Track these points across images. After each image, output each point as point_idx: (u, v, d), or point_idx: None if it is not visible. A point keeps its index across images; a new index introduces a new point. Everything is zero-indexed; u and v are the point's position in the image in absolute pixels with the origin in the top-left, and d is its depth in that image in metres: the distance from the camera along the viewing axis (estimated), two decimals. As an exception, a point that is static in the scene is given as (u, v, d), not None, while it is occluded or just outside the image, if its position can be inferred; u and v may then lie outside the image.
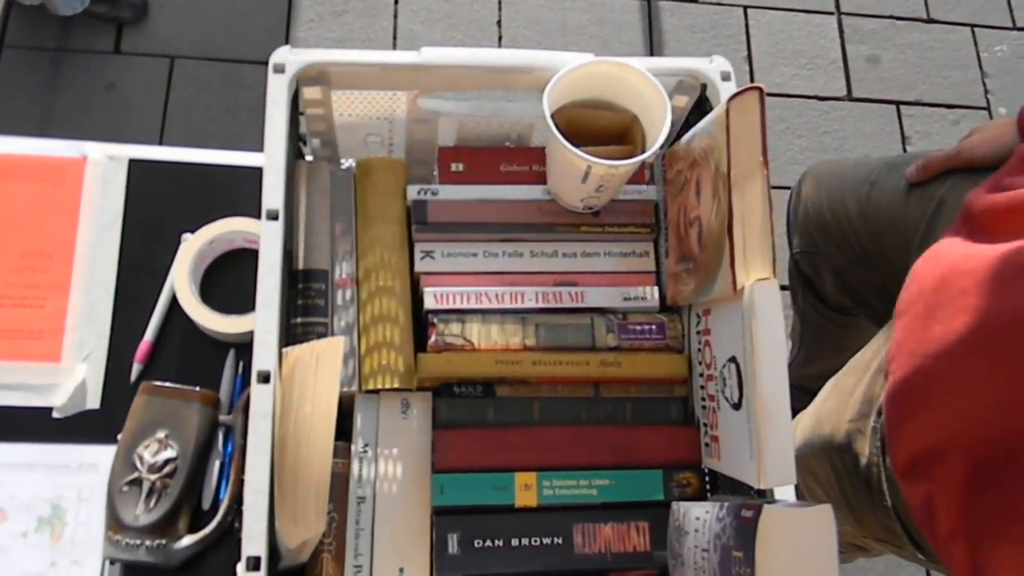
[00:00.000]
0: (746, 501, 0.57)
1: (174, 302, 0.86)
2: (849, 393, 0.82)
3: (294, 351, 0.56)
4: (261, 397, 0.60)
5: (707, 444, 0.71)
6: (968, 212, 0.77)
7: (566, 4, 1.98)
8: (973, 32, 2.08)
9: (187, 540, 0.78)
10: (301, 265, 0.75)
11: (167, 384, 0.81)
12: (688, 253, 0.70)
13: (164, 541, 0.77)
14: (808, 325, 1.21)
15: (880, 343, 0.83)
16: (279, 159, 0.65)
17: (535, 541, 0.69)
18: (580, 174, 0.69)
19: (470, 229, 0.76)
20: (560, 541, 0.70)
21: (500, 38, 1.94)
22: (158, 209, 0.90)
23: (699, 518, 0.63)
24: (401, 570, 0.69)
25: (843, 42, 2.03)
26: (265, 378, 0.60)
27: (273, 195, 0.64)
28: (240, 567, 0.57)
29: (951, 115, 1.99)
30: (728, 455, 0.65)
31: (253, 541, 0.57)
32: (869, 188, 0.95)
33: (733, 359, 0.62)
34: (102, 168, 0.90)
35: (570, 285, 0.77)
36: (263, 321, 0.61)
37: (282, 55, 0.68)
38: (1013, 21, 2.11)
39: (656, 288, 0.76)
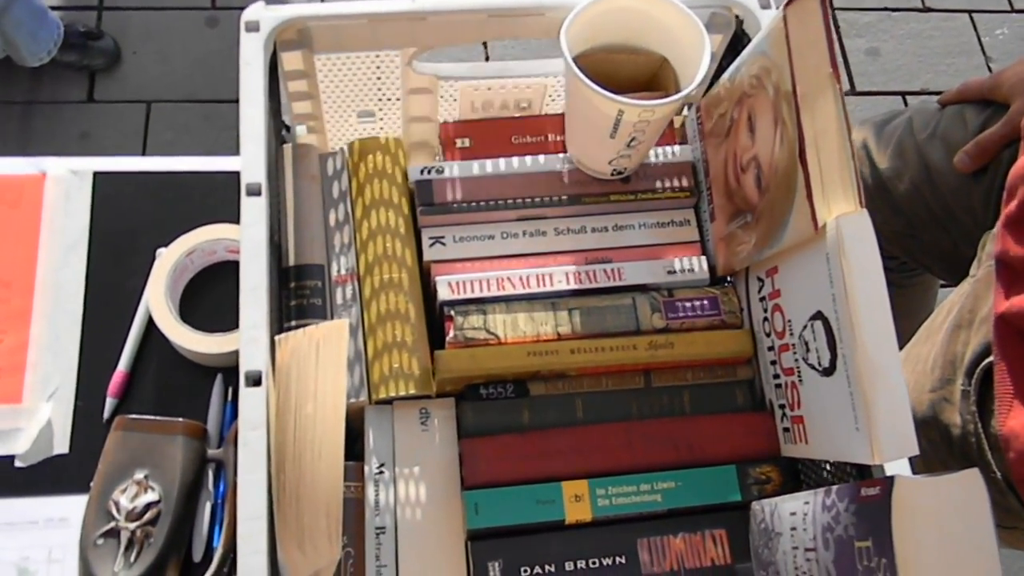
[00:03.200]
0: (858, 482, 0.46)
1: (151, 325, 0.76)
2: (924, 361, 0.72)
3: (288, 340, 0.45)
4: (252, 404, 0.49)
5: (786, 429, 0.60)
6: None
7: None
8: (971, 17, 2.02)
9: (178, 598, 0.66)
10: (292, 261, 0.64)
11: (145, 417, 0.70)
12: (744, 205, 0.59)
13: (150, 601, 0.65)
14: None
15: (955, 300, 0.73)
16: (258, 127, 0.55)
17: (593, 563, 0.58)
18: (609, 125, 0.59)
19: (484, 208, 0.66)
20: (623, 560, 0.58)
21: None
22: (129, 224, 0.80)
23: (795, 513, 0.52)
24: (435, 610, 0.58)
25: (840, 37, 1.97)
26: (255, 381, 0.49)
27: (253, 168, 0.54)
28: (237, 615, 0.45)
29: (961, 102, 1.91)
30: (820, 435, 0.54)
31: (251, 580, 0.45)
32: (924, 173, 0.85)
33: (819, 315, 0.52)
34: (64, 184, 0.80)
35: (604, 262, 0.66)
36: (250, 314, 0.51)
37: (256, 11, 0.58)
38: (1011, 4, 2.05)
39: (704, 258, 0.66)
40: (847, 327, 0.48)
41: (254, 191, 0.53)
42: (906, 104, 1.90)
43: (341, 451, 0.44)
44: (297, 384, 0.44)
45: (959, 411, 0.69)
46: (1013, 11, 2.05)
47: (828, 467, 0.59)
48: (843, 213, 0.49)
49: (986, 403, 0.67)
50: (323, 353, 0.45)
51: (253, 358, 0.50)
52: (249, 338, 0.50)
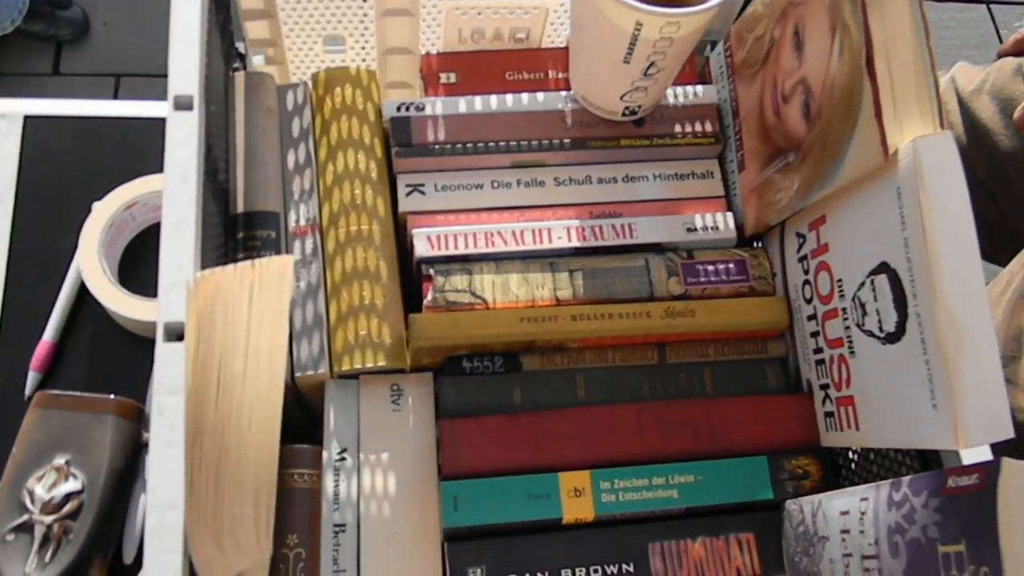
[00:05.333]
0: (943, 470, 0.36)
1: (83, 291, 0.65)
2: None
3: (212, 277, 0.35)
4: (171, 363, 0.38)
5: (829, 414, 0.50)
6: None
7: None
8: (989, 9, 1.94)
9: (99, 607, 0.55)
10: (242, 207, 0.54)
11: (69, 393, 0.59)
12: (786, 142, 0.50)
13: (65, 610, 0.54)
14: None
15: (1016, 268, 0.63)
16: (192, 29, 0.45)
17: (595, 570, 0.48)
18: (624, 44, 0.49)
19: (471, 151, 0.56)
20: (631, 569, 0.48)
21: None
22: (63, 175, 0.70)
23: (847, 512, 0.42)
24: (403, 627, 0.47)
25: (851, 25, 1.88)
26: (177, 335, 0.39)
27: (184, 77, 0.44)
28: (139, 632, 0.35)
29: (977, 94, 1.82)
30: (878, 417, 0.44)
31: (160, 587, 0.35)
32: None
33: (883, 267, 0.42)
34: (-11, 129, 0.70)
35: (613, 216, 0.56)
36: (173, 253, 0.41)
37: None
38: (1029, -5, 1.97)
39: (730, 214, 0.56)
40: (923, 278, 0.39)
41: (184, 104, 0.43)
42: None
43: (277, 420, 0.33)
44: (223, 334, 0.34)
45: None
46: (1031, 3, 1.97)
47: (875, 458, 0.49)
48: (920, 135, 0.39)
49: None
50: (259, 296, 0.35)
51: (174, 307, 0.40)
52: (170, 282, 0.40)
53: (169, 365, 0.38)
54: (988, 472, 0.32)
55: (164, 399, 0.38)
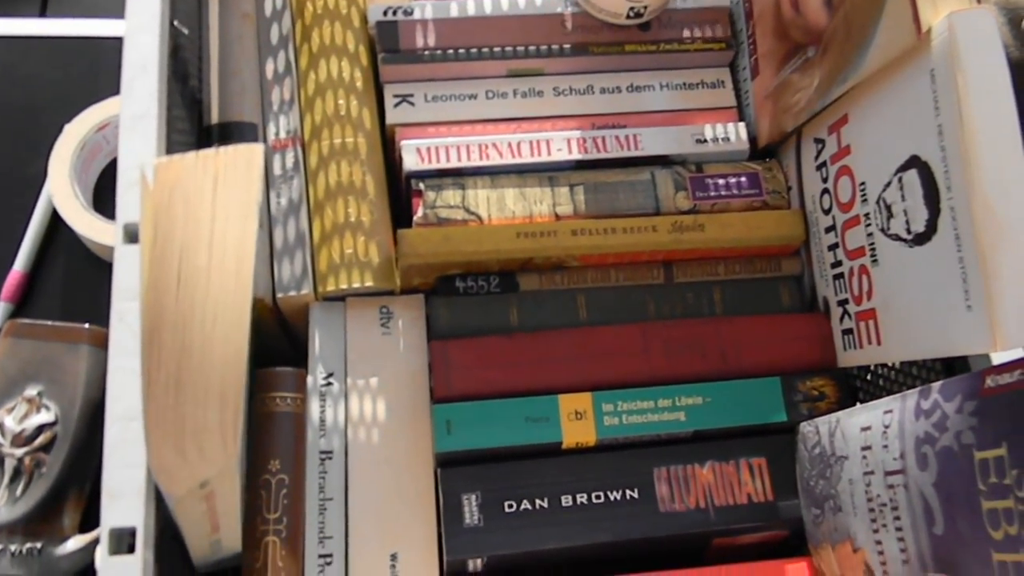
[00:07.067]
0: (979, 371, 0.32)
1: (55, 218, 0.62)
2: None
3: (171, 165, 0.31)
4: (130, 267, 0.35)
5: (847, 331, 0.46)
6: None
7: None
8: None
9: (76, 542, 0.53)
10: (216, 118, 0.50)
11: (41, 322, 0.56)
12: (804, 36, 0.46)
13: (39, 545, 0.52)
14: None
15: None
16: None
17: (597, 497, 0.45)
18: (627, -69, 0.45)
19: (464, 58, 0.52)
20: (635, 495, 0.45)
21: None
22: (33, 97, 0.66)
23: (869, 428, 0.39)
24: (393, 557, 0.45)
25: None
26: (133, 236, 0.36)
27: (147, -41, 0.40)
28: (101, 550, 0.32)
29: None
30: (903, 328, 0.41)
31: (121, 502, 0.32)
32: None
33: (913, 162, 0.38)
34: (-46, 49, 0.66)
35: (616, 128, 0.53)
36: (131, 150, 0.37)
37: None
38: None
39: (742, 124, 0.52)
40: (959, 167, 0.35)
41: (146, -13, 0.39)
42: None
43: (246, 319, 0.30)
44: (184, 227, 0.31)
45: None
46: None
47: (896, 376, 0.46)
48: (956, 10, 0.35)
49: None
50: (224, 186, 0.32)
51: (134, 207, 0.36)
52: (130, 181, 0.36)
53: (129, 269, 0.35)
54: (1033, 367, 0.29)
55: (124, 305, 0.35)
